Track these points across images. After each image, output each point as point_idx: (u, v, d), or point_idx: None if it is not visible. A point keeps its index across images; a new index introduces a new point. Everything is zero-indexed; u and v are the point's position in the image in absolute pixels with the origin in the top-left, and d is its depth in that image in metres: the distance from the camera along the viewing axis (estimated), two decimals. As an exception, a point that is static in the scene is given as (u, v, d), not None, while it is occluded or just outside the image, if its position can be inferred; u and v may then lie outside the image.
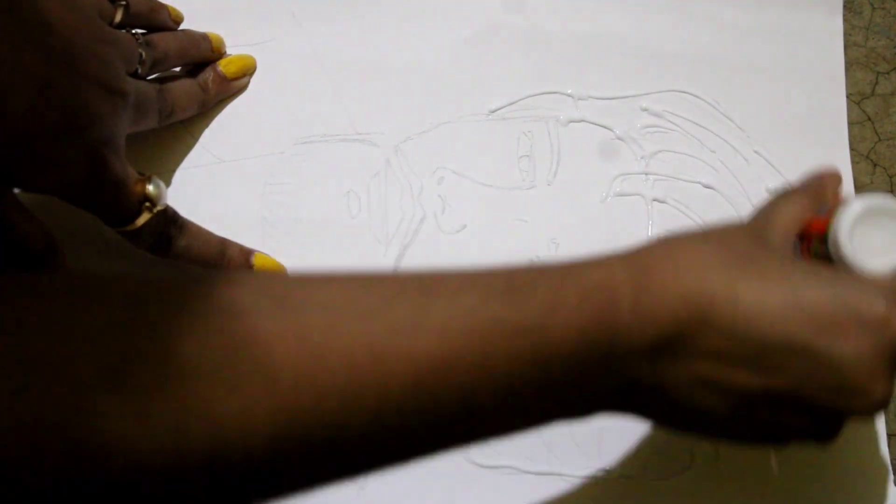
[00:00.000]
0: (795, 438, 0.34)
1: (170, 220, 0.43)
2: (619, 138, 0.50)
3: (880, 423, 0.47)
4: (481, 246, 0.48)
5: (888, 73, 0.53)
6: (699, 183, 0.50)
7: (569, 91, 0.51)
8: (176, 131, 0.48)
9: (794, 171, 0.50)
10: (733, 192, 0.50)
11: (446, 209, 0.49)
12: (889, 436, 0.48)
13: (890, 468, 0.47)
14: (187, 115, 0.47)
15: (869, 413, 0.32)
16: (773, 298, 0.31)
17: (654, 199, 0.50)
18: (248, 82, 0.49)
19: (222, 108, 0.49)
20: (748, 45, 0.52)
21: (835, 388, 0.31)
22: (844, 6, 0.53)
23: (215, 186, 0.48)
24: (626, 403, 0.33)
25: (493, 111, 0.50)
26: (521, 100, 0.50)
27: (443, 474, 0.45)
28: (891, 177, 0.52)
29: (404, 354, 0.28)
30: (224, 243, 0.45)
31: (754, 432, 0.33)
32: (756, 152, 0.51)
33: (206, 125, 0.48)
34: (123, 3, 0.42)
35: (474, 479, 0.45)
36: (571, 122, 0.50)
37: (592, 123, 0.50)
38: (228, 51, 0.49)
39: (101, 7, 0.41)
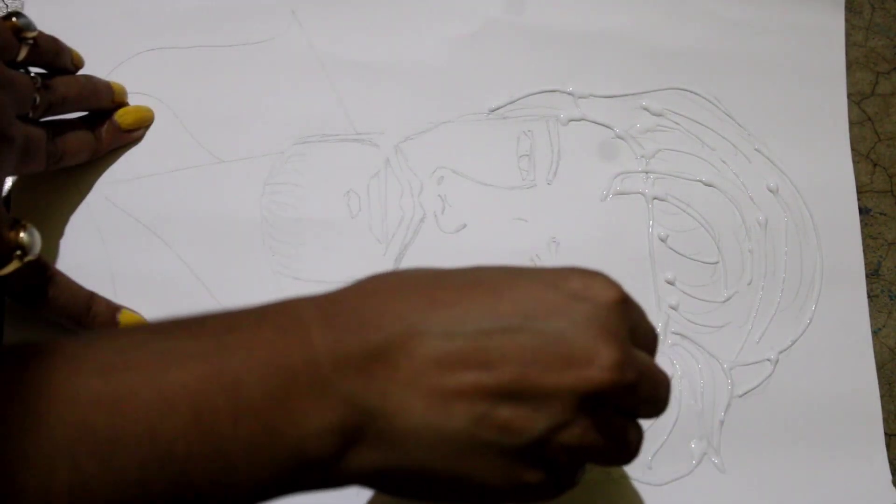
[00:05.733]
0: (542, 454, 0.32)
1: (39, 271, 0.41)
2: (620, 137, 0.50)
3: (880, 424, 0.47)
4: (481, 246, 0.48)
5: (888, 73, 0.53)
6: (700, 181, 0.50)
7: (569, 89, 0.51)
8: (174, 131, 0.48)
9: (794, 169, 0.51)
10: (734, 190, 0.50)
11: (446, 209, 0.48)
12: (889, 436, 0.48)
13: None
14: (78, 161, 0.45)
15: (599, 383, 0.31)
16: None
17: (655, 198, 0.49)
18: (144, 134, 0.48)
19: (222, 109, 0.49)
20: (749, 43, 0.52)
21: (559, 362, 0.31)
22: (845, 6, 0.53)
23: (215, 186, 0.47)
24: (358, 439, 0.31)
25: (493, 110, 0.50)
26: (521, 98, 0.50)
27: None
28: (891, 177, 0.52)
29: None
30: (92, 298, 0.43)
31: (499, 466, 0.31)
32: (757, 150, 0.51)
33: (208, 126, 0.48)
34: (31, 41, 0.41)
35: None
36: (572, 120, 0.50)
37: (593, 122, 0.50)
38: (231, 46, 0.48)
39: (6, 42, 0.40)
